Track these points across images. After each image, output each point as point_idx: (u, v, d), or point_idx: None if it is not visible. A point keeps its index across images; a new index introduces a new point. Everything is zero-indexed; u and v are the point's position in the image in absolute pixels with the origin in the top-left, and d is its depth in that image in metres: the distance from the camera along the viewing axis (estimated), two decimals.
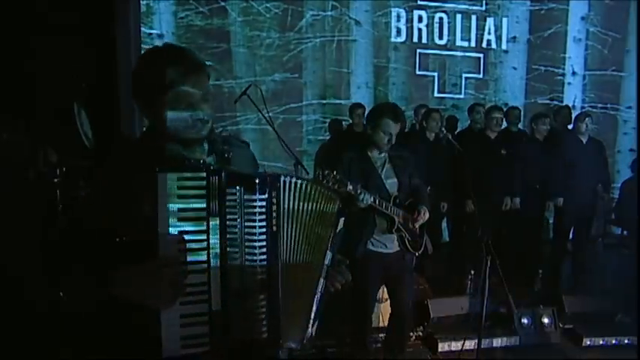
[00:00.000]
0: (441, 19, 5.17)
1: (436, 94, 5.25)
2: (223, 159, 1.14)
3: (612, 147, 5.83)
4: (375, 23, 5.03)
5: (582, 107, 5.72)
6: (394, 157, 2.39)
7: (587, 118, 4.39)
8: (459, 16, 5.23)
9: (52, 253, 1.06)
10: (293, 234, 1.03)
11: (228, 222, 1.02)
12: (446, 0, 5.16)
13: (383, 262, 2.36)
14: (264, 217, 1.00)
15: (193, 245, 1.01)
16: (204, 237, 1.02)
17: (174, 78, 1.04)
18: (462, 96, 5.29)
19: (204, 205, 1.01)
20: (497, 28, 5.35)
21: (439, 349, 2.79)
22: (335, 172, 2.01)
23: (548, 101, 5.55)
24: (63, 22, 3.38)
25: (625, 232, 5.17)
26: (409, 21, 5.09)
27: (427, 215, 2.38)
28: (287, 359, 1.18)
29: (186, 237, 1.00)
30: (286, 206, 1.02)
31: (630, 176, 5.13)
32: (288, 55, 4.89)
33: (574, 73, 5.65)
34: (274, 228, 1.00)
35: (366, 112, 4.31)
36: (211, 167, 1.04)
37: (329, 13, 4.90)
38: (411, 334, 2.87)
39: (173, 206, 0.99)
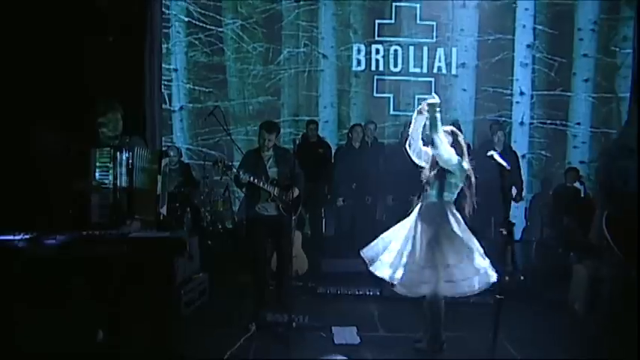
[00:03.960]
0: (395, 50, 6.57)
1: (392, 112, 6.61)
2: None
3: (563, 159, 6.77)
4: (339, 56, 6.56)
5: (531, 123, 6.76)
6: (278, 155, 3.91)
7: (499, 131, 5.56)
8: (411, 48, 6.58)
9: None
10: (136, 172, 2.66)
11: (119, 170, 2.67)
12: (399, 35, 6.55)
13: (266, 221, 3.85)
14: (129, 165, 2.66)
15: (104, 179, 2.67)
16: (110, 179, 2.67)
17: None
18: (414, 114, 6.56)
19: (110, 163, 2.67)
20: (447, 56, 6.61)
21: (318, 291, 4.21)
22: (224, 161, 3.58)
23: (497, 118, 6.65)
24: (110, 60, 5.27)
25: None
26: (368, 53, 6.55)
27: (297, 192, 3.85)
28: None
29: (101, 177, 2.67)
30: (136, 162, 2.66)
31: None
32: (270, 82, 6.56)
33: (522, 93, 6.70)
34: (131, 167, 2.64)
35: (319, 127, 5.89)
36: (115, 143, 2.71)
37: (301, 49, 6.52)
38: (300, 283, 4.32)
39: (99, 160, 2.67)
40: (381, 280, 3.66)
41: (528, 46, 6.65)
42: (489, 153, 2.90)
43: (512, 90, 6.70)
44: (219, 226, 5.43)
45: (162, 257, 2.36)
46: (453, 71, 6.65)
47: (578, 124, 6.73)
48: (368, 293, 4.22)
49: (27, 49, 4.16)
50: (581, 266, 4.14)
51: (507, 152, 5.56)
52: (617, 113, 6.70)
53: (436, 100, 3.34)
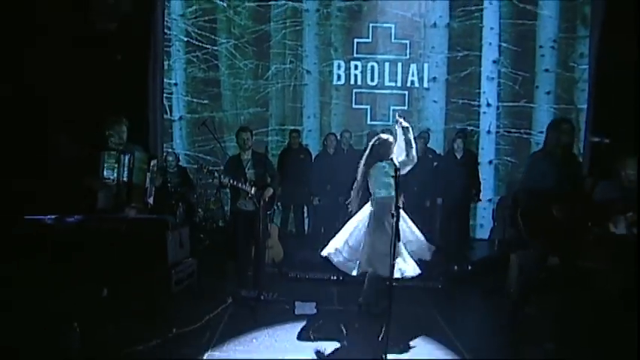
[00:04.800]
0: (372, 66, 7.41)
1: (369, 122, 7.42)
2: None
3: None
4: (321, 72, 7.42)
5: (497, 132, 7.54)
6: (255, 158, 4.74)
7: (458, 139, 6.34)
8: (387, 64, 7.42)
9: None
10: (134, 171, 3.52)
11: (122, 169, 3.54)
12: (376, 53, 7.38)
13: (245, 215, 4.68)
14: (130, 165, 3.53)
15: (110, 176, 3.55)
16: (115, 175, 3.55)
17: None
18: (390, 123, 7.39)
19: (115, 163, 3.54)
20: (420, 71, 7.44)
21: (290, 275, 5.02)
22: (208, 167, 4.43)
23: (465, 127, 7.43)
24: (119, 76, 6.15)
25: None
26: (347, 69, 7.40)
27: (270, 192, 4.67)
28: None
29: (108, 174, 3.55)
30: (135, 163, 3.52)
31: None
32: (259, 95, 7.44)
33: (488, 105, 7.49)
34: (132, 166, 3.51)
35: (303, 135, 6.72)
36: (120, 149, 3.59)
37: (287, 66, 7.39)
38: (276, 269, 5.13)
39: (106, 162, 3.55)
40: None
41: (494, 61, 7.45)
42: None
43: (479, 102, 7.49)
44: (212, 222, 6.26)
45: (152, 233, 3.21)
46: (425, 85, 7.47)
47: (541, 132, 7.45)
48: (332, 278, 5.01)
49: (53, 69, 5.08)
50: (514, 256, 4.89)
51: (466, 157, 6.35)
52: (577, 123, 7.42)
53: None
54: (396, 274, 3.83)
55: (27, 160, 4.02)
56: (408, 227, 4.09)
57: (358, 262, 3.99)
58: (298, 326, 3.92)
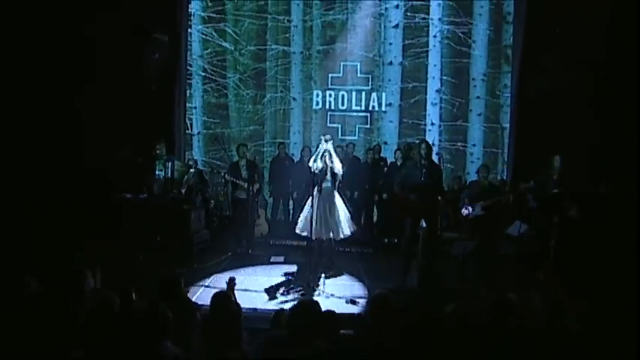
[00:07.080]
0: (343, 94, 10.06)
1: (340, 137, 10.04)
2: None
3: (463, 170, 10.03)
4: (304, 99, 10.12)
5: (439, 145, 10.07)
6: (248, 164, 7.42)
7: (397, 151, 8.94)
8: (354, 93, 10.07)
9: None
10: (174, 172, 6.27)
11: (167, 171, 6.31)
12: (345, 84, 10.04)
13: (241, 201, 7.36)
14: (172, 168, 6.29)
15: (160, 175, 6.33)
16: (162, 175, 6.33)
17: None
18: (356, 138, 10.02)
19: (162, 167, 6.31)
20: (379, 98, 10.05)
21: (270, 243, 7.70)
22: (216, 169, 7.16)
23: (414, 141, 9.98)
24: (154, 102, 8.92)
25: None
26: (324, 97, 10.07)
27: (257, 186, 7.34)
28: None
29: (158, 174, 6.33)
30: (175, 167, 6.28)
31: None
32: (257, 116, 10.18)
33: (432, 124, 10.05)
34: (172, 169, 6.26)
35: (287, 146, 9.43)
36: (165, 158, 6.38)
37: (279, 94, 10.11)
38: (263, 240, 7.81)
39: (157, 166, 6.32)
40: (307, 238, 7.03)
41: (437, 91, 10.01)
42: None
43: (425, 121, 10.05)
44: (221, 210, 8.98)
45: (181, 205, 5.93)
46: (383, 109, 10.08)
47: (474, 145, 10.00)
48: (299, 244, 7.63)
49: (115, 105, 7.85)
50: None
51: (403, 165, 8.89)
52: (502, 138, 9.96)
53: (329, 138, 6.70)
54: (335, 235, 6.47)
55: (114, 165, 6.77)
56: (343, 210, 6.69)
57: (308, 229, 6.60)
58: (270, 266, 6.60)
